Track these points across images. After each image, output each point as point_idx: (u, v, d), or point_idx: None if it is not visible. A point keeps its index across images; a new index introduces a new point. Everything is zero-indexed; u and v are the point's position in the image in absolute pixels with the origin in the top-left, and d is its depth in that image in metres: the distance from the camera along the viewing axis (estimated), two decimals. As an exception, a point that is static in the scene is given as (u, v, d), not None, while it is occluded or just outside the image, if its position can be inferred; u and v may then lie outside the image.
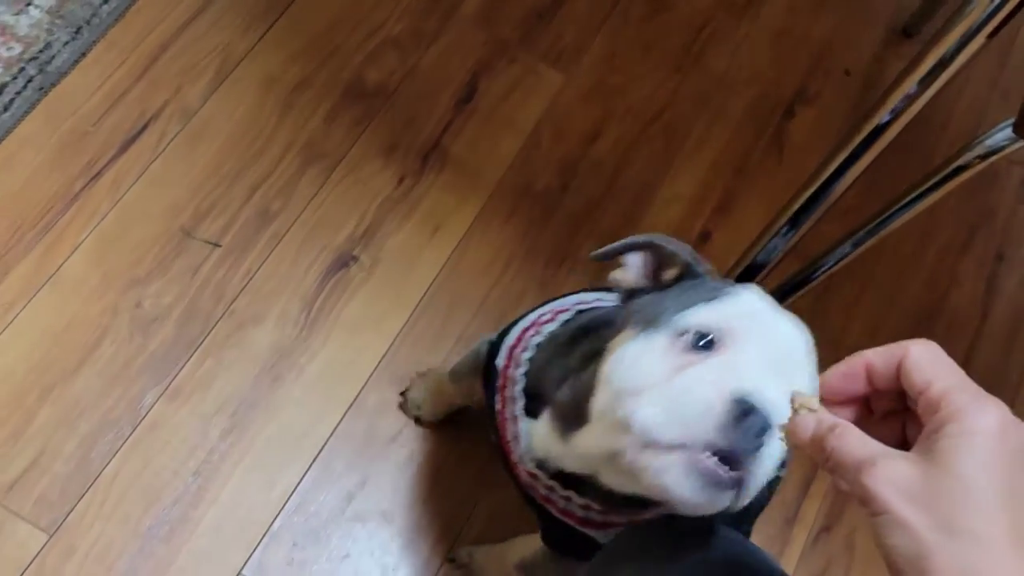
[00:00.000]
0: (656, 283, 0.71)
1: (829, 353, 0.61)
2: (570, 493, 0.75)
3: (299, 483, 1.09)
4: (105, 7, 1.27)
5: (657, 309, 0.66)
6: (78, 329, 1.11)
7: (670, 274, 0.71)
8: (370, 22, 1.35)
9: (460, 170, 1.28)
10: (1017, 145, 0.93)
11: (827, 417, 0.50)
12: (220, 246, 1.18)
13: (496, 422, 0.81)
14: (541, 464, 0.75)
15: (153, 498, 1.05)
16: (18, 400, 1.07)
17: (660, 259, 0.72)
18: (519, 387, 0.79)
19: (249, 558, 1.05)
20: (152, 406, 1.09)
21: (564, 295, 0.87)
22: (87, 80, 1.23)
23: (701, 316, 0.63)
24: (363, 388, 1.14)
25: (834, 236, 1.21)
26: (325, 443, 1.11)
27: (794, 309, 0.68)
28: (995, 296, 1.35)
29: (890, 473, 0.46)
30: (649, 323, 0.65)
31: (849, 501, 0.99)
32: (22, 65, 1.22)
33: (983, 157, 0.95)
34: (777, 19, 1.48)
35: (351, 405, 1.13)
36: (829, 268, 1.17)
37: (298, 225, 1.21)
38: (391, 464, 1.11)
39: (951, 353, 0.50)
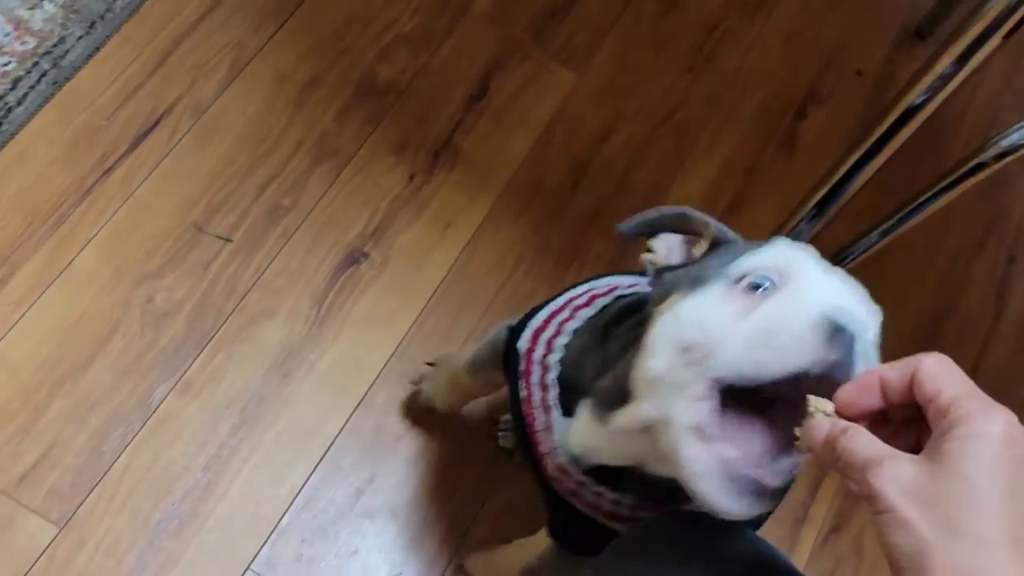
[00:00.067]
0: (687, 259, 0.69)
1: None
2: (603, 489, 0.73)
3: (308, 479, 1.09)
4: (119, 2, 1.27)
5: (700, 271, 0.64)
6: (90, 323, 1.12)
7: (700, 249, 0.69)
8: (382, 20, 1.35)
9: (471, 168, 1.28)
10: (1033, 146, 0.93)
11: (840, 420, 0.52)
12: (231, 241, 1.18)
13: (521, 410, 0.78)
14: (575, 460, 0.73)
15: (163, 492, 1.06)
16: (30, 394, 1.08)
17: (689, 233, 0.70)
18: (553, 375, 0.76)
19: (258, 553, 1.05)
20: (163, 401, 1.09)
21: (596, 277, 0.83)
22: (100, 75, 1.24)
23: (755, 261, 0.61)
24: (372, 385, 1.14)
25: (847, 237, 1.21)
26: (334, 440, 1.11)
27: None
28: (1007, 298, 1.35)
29: (895, 472, 0.47)
30: (696, 282, 0.63)
31: (858, 502, 0.99)
32: (36, 59, 1.22)
33: (998, 158, 0.94)
34: (789, 19, 1.47)
35: (360, 402, 1.13)
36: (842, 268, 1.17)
37: (309, 222, 1.21)
38: (400, 461, 1.11)
39: (963, 354, 0.51)
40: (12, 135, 1.18)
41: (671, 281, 0.66)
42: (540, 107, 1.33)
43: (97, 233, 1.16)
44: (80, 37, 1.24)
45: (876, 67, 1.46)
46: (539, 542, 0.88)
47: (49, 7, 1.25)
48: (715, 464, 0.57)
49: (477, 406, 1.13)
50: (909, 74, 1.00)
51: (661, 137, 1.35)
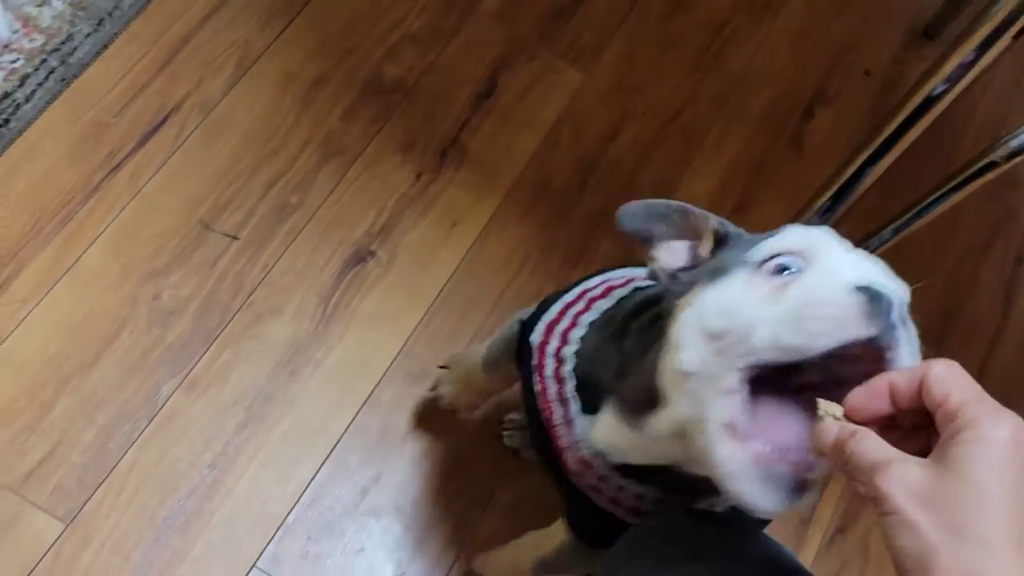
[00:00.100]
0: (695, 261, 0.68)
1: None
2: (626, 482, 0.72)
3: (314, 477, 1.09)
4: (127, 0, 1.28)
5: (719, 263, 0.63)
6: (96, 320, 1.12)
7: (705, 248, 0.68)
8: (389, 18, 1.35)
9: (478, 167, 1.28)
10: (1043, 147, 0.93)
11: (849, 424, 0.52)
12: (238, 239, 1.18)
13: (537, 404, 0.77)
14: (599, 453, 0.72)
15: (169, 489, 1.06)
16: (36, 390, 1.08)
17: (689, 235, 0.69)
18: (569, 367, 0.75)
19: (264, 551, 1.05)
20: (169, 398, 1.10)
21: (612, 268, 0.82)
22: (108, 72, 1.24)
23: (776, 244, 0.61)
24: (379, 383, 1.14)
25: (854, 237, 1.20)
26: (340, 438, 1.11)
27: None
28: (1015, 299, 1.34)
29: (902, 475, 0.47)
30: (716, 273, 0.62)
31: (864, 504, 0.98)
32: (44, 56, 1.22)
33: (1008, 158, 0.94)
34: (797, 19, 1.47)
35: (366, 400, 1.13)
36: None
37: (315, 220, 1.21)
38: (405, 459, 1.11)
39: (970, 354, 0.51)
40: (20, 132, 1.18)
41: (688, 280, 0.65)
42: (547, 106, 1.33)
43: (104, 230, 1.16)
44: (88, 34, 1.25)
45: (884, 67, 1.46)
46: (554, 535, 0.87)
47: (57, 4, 1.25)
48: (749, 462, 0.56)
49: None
50: (917, 74, 1.00)
51: (668, 137, 1.35)
